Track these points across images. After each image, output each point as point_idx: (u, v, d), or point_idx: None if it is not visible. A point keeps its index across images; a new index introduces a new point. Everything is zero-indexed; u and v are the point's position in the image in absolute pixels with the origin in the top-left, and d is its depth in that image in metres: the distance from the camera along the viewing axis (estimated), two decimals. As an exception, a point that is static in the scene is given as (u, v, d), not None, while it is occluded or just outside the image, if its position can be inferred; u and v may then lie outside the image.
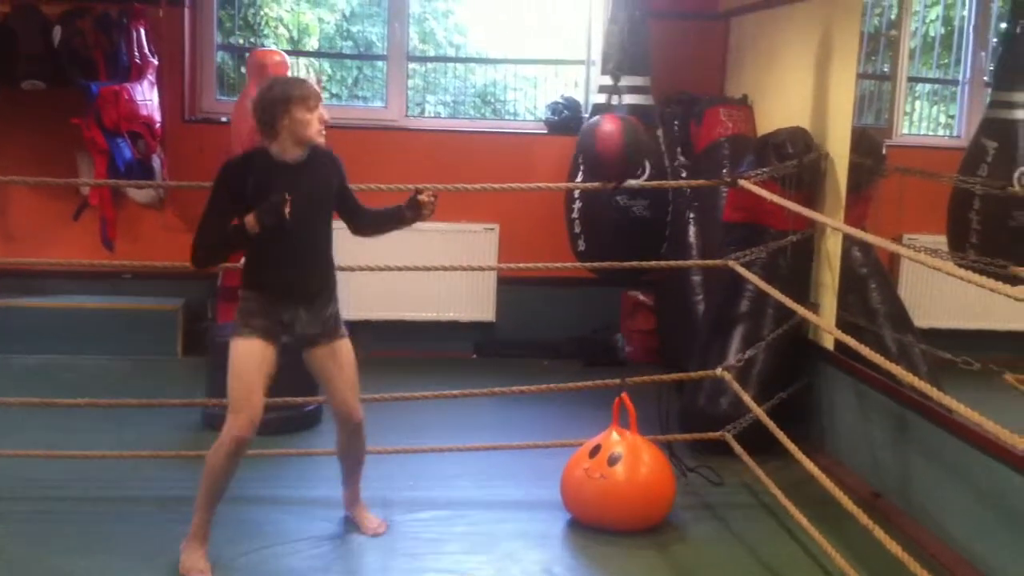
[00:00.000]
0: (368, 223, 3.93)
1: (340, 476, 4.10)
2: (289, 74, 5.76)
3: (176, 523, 3.92)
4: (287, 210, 3.45)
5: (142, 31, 6.22)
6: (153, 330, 6.38)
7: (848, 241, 4.85)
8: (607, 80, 5.47)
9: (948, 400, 3.05)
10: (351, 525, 4.07)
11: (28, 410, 4.77)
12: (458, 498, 4.39)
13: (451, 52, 7.31)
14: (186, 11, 6.58)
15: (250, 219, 3.46)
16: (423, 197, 3.77)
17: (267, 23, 7.17)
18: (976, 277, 2.94)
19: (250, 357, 3.58)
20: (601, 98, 5.64)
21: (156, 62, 6.30)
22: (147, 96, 6.15)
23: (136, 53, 6.17)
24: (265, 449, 4.63)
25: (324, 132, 3.61)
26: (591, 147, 5.01)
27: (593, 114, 5.98)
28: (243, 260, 3.72)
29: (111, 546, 3.81)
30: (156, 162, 6.23)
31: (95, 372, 6.02)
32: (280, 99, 3.51)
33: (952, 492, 3.90)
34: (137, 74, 6.15)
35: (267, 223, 3.45)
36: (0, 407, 4.67)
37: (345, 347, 3.80)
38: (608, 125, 4.86)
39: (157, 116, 6.22)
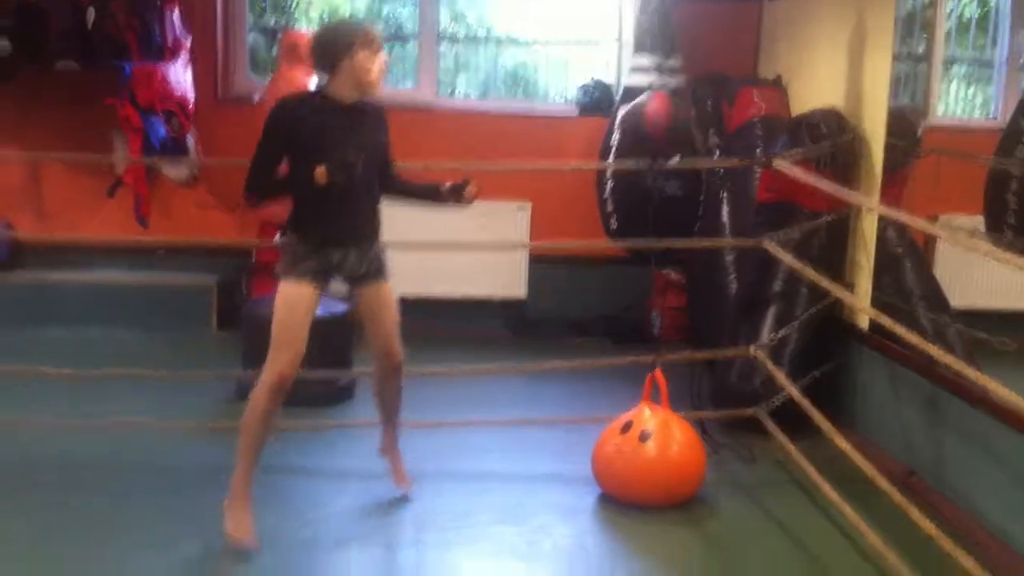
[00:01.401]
0: (397, 187, 3.94)
1: (379, 417, 4.16)
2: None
3: (210, 492, 3.95)
4: (359, 170, 3.51)
5: (175, 11, 6.24)
6: (187, 306, 6.41)
7: (883, 221, 4.82)
8: (640, 61, 5.47)
9: (984, 379, 3.03)
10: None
11: (63, 382, 4.80)
12: (490, 471, 4.41)
13: (482, 33, 7.30)
14: (219, -9, 6.61)
15: (320, 172, 3.47)
16: (469, 189, 3.79)
17: (298, 4, 7.17)
18: (1013, 258, 2.93)
19: (299, 299, 3.61)
20: (634, 79, 5.63)
21: (189, 42, 6.33)
22: (180, 76, 6.18)
23: (168, 33, 6.19)
24: (299, 420, 4.67)
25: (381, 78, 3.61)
26: (639, 124, 4.97)
27: (624, 95, 5.99)
28: (292, 203, 3.71)
29: (144, 515, 3.85)
30: (190, 140, 6.27)
31: (129, 347, 6.06)
32: (344, 39, 3.51)
33: (985, 471, 3.88)
34: (170, 55, 6.18)
35: (338, 180, 3.48)
36: (35, 378, 4.70)
37: (388, 289, 3.86)
38: (660, 101, 4.83)
39: (191, 96, 6.25)
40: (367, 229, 3.77)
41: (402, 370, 4.00)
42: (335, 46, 3.53)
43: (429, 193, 3.92)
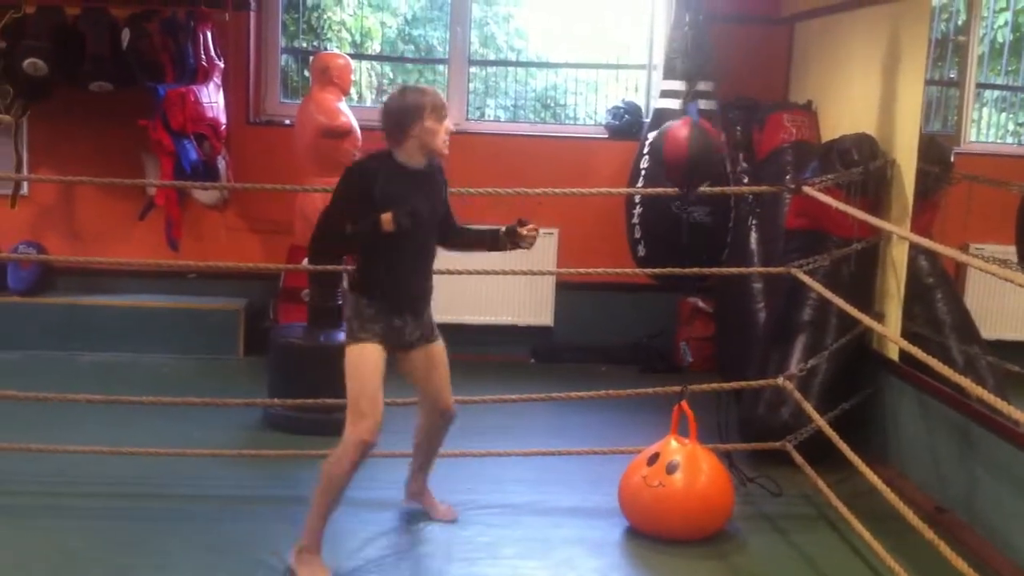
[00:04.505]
0: (460, 240, 4.02)
1: (412, 467, 4.20)
2: (352, 77, 5.80)
3: (236, 522, 3.98)
4: (424, 217, 3.61)
5: (208, 34, 6.29)
6: (215, 330, 6.45)
7: (914, 250, 4.78)
8: (671, 84, 5.45)
9: (1018, 414, 2.99)
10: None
11: (91, 407, 4.83)
12: (514, 503, 4.38)
13: (511, 56, 7.31)
14: (251, 14, 6.65)
15: (387, 218, 3.51)
16: (524, 231, 3.81)
17: (330, 27, 7.22)
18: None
19: (372, 362, 3.64)
20: (663, 103, 5.61)
21: (222, 65, 6.38)
22: (213, 98, 6.23)
23: (202, 56, 6.24)
24: (325, 449, 4.66)
25: (448, 143, 3.67)
26: (660, 152, 4.93)
27: (653, 119, 5.96)
28: (358, 265, 3.77)
29: (170, 543, 3.86)
30: (221, 163, 6.31)
31: (158, 371, 6.11)
32: (413, 108, 3.58)
33: (1019, 507, 3.82)
34: (203, 76, 6.23)
35: (403, 225, 3.52)
36: (64, 403, 4.74)
37: (439, 348, 3.92)
38: (678, 131, 4.80)
39: (223, 118, 6.29)
40: (425, 293, 3.83)
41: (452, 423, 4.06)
42: (405, 115, 3.58)
43: (488, 240, 3.97)
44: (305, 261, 5.57)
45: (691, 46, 5.44)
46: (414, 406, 4.17)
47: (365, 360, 3.63)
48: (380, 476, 4.41)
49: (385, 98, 3.73)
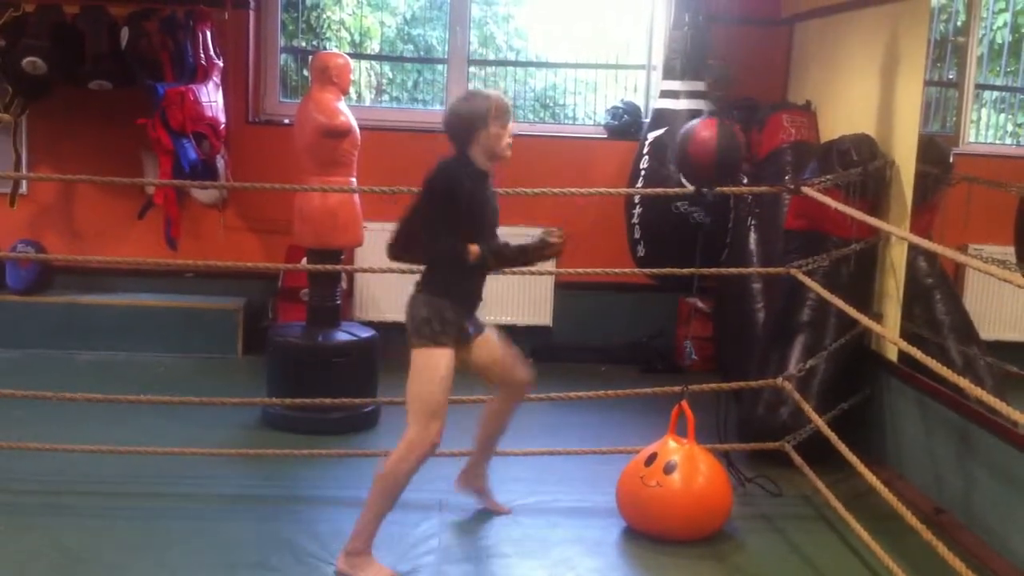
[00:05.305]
0: None
1: (475, 456, 4.27)
2: (352, 77, 5.79)
3: (235, 520, 3.97)
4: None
5: (207, 33, 6.28)
6: (214, 329, 6.45)
7: (913, 251, 4.78)
8: (670, 84, 5.45)
9: (1016, 415, 2.99)
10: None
11: (90, 406, 4.83)
12: (512, 503, 4.37)
13: (511, 56, 7.31)
14: (251, 14, 6.65)
15: (475, 251, 3.64)
16: (552, 239, 3.82)
17: (329, 26, 7.22)
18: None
19: (447, 366, 3.69)
20: (663, 103, 5.60)
21: (221, 64, 6.37)
22: (212, 97, 6.22)
23: (201, 55, 6.23)
24: (323, 449, 4.67)
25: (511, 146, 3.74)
26: (685, 150, 4.88)
27: (653, 120, 5.96)
28: (438, 269, 3.78)
29: (168, 542, 3.86)
30: (220, 163, 6.31)
31: (156, 370, 6.10)
32: (480, 114, 3.63)
33: (1017, 508, 3.82)
34: (202, 75, 6.22)
35: (484, 262, 3.68)
36: (63, 402, 4.73)
37: (492, 333, 4.02)
38: (704, 130, 4.77)
39: (222, 117, 6.28)
40: (483, 292, 3.93)
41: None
42: (472, 120, 3.63)
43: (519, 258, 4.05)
44: (303, 261, 5.59)
45: (691, 46, 5.44)
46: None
47: (441, 364, 3.66)
48: (377, 476, 4.41)
49: (451, 104, 3.80)
